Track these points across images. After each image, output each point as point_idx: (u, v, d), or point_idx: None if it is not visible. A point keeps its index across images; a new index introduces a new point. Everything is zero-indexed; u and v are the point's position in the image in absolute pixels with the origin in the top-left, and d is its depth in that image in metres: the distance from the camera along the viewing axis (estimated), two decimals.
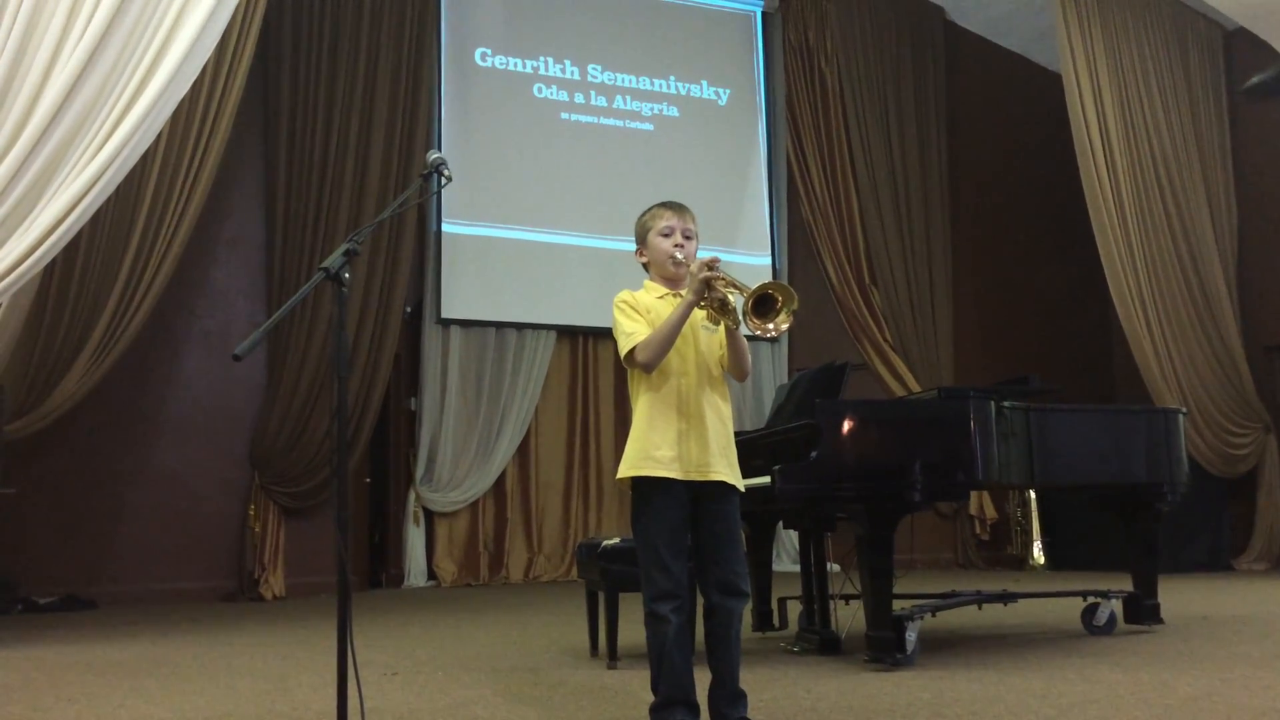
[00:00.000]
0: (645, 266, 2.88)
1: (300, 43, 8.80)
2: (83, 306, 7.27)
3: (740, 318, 2.62)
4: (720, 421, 2.72)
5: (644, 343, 2.66)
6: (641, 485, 2.67)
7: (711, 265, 2.61)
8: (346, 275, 2.58)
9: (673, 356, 2.69)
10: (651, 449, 2.65)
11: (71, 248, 6.75)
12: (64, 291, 7.18)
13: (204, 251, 8.36)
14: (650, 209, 2.87)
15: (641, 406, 2.72)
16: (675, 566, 2.63)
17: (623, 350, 2.71)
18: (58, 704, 3.49)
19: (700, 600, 2.75)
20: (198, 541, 8.14)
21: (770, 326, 2.58)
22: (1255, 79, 9.58)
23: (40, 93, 4.77)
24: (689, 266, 2.70)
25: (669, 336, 2.64)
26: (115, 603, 7.60)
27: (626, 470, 2.68)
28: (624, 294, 2.79)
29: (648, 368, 2.67)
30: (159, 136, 6.73)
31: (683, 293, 2.68)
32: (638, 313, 2.74)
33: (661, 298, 2.79)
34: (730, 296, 2.64)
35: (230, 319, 8.53)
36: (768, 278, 10.26)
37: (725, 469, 2.69)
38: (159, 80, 5.00)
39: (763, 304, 2.58)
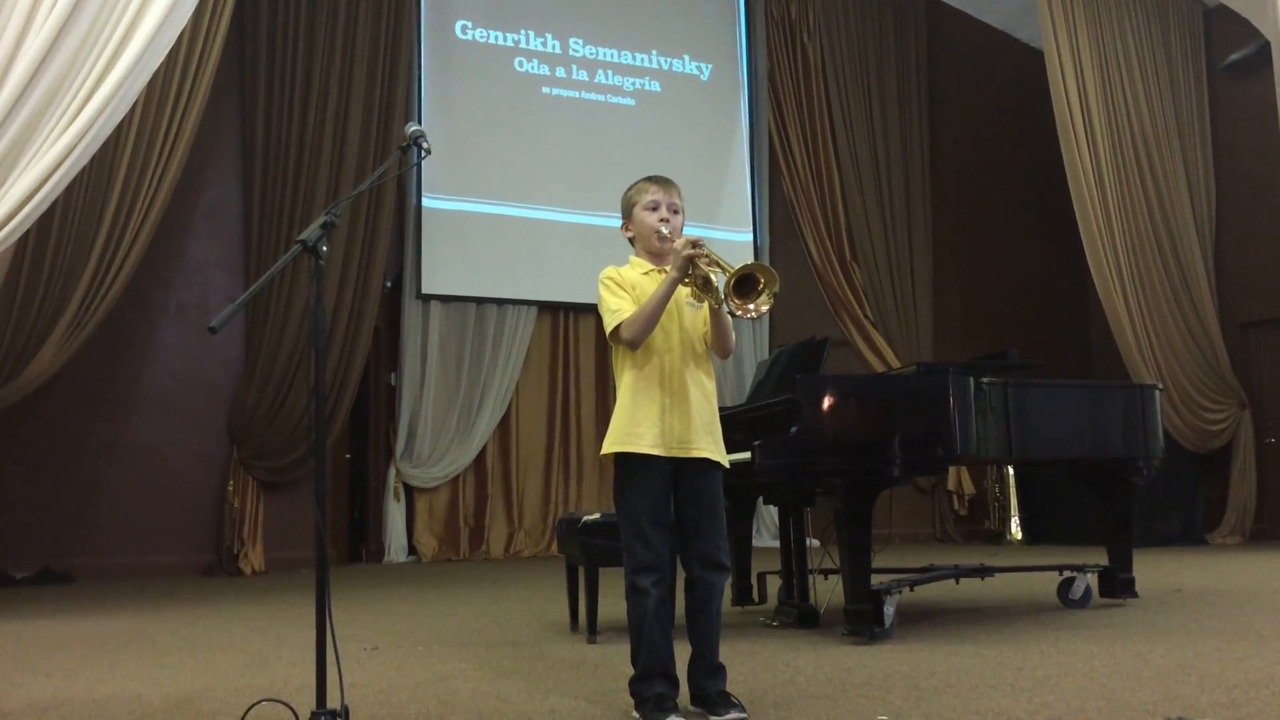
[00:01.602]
0: (631, 241, 2.86)
1: (277, 11, 8.69)
2: (57, 279, 7.18)
3: (722, 297, 2.61)
4: (704, 397, 2.72)
5: (629, 319, 2.65)
6: (625, 460, 2.67)
7: (696, 243, 2.60)
8: (324, 248, 2.54)
9: (657, 333, 2.68)
10: (635, 425, 2.65)
11: (45, 219, 6.66)
12: (38, 264, 7.09)
13: (180, 224, 8.27)
14: (636, 183, 2.85)
15: (626, 383, 2.71)
16: (656, 540, 2.63)
17: (608, 327, 2.70)
18: (34, 678, 3.47)
19: (681, 574, 2.76)
20: (176, 516, 8.11)
21: (751, 308, 2.57)
22: (1234, 56, 9.61)
23: (12, 61, 4.69)
24: (674, 242, 2.69)
25: (653, 313, 2.63)
26: (92, 577, 7.57)
27: (611, 446, 2.68)
28: (609, 270, 2.78)
29: (633, 344, 2.67)
30: (134, 107, 6.64)
31: (667, 269, 2.67)
32: (623, 289, 2.73)
33: (647, 274, 2.77)
34: (713, 275, 2.63)
35: (207, 292, 8.46)
36: (749, 254, 10.33)
37: (709, 445, 2.69)
38: (134, 49, 4.92)
39: (744, 284, 2.56)
